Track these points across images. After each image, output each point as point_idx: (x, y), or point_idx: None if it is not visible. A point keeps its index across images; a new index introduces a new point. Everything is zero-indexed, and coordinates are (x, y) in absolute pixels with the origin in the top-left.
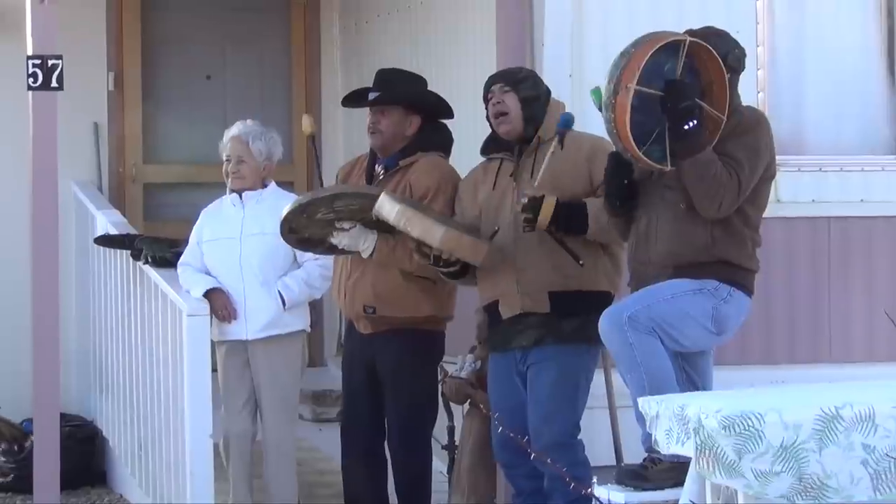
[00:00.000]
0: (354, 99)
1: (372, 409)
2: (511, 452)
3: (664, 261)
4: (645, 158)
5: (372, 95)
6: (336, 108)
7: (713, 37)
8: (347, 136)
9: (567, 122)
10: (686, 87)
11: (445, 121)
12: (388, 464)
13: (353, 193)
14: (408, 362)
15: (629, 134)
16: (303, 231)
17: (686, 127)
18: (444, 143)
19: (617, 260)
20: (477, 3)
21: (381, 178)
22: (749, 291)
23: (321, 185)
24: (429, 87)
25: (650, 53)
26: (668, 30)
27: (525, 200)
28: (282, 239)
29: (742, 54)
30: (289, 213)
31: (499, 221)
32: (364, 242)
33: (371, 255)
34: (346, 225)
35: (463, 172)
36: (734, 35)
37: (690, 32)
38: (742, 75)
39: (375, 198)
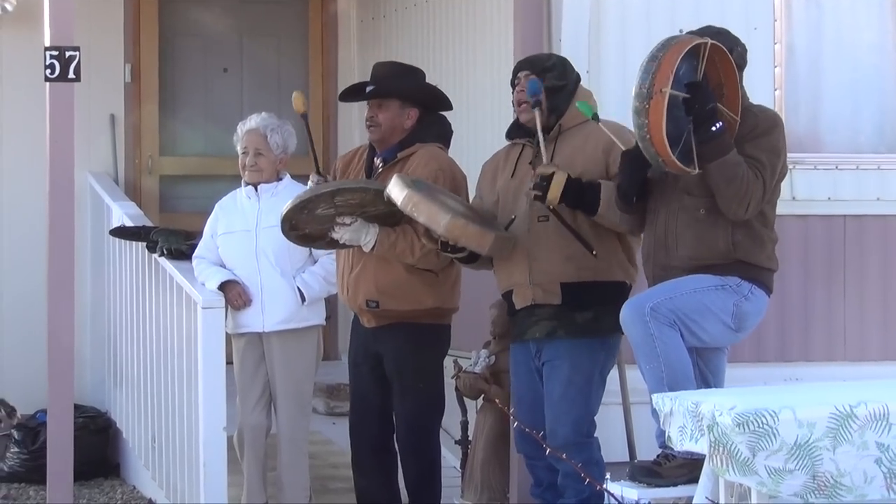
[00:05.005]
0: (352, 93)
1: (380, 403)
2: (532, 443)
3: (686, 265)
4: (678, 163)
5: (368, 89)
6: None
7: (713, 35)
8: (363, 130)
9: (534, 90)
10: (709, 89)
11: (448, 113)
12: (398, 457)
13: (353, 188)
14: (412, 356)
15: (664, 138)
16: (303, 227)
17: (713, 128)
18: (443, 134)
19: (631, 251)
20: None
21: (380, 170)
22: (769, 290)
23: (316, 163)
24: (445, 81)
25: (679, 57)
26: (682, 33)
27: (537, 180)
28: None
29: (744, 50)
30: (289, 211)
31: (516, 210)
32: (365, 236)
33: (372, 248)
34: (346, 220)
35: (478, 165)
36: (753, 31)
37: (690, 33)
38: (759, 73)
39: (375, 192)
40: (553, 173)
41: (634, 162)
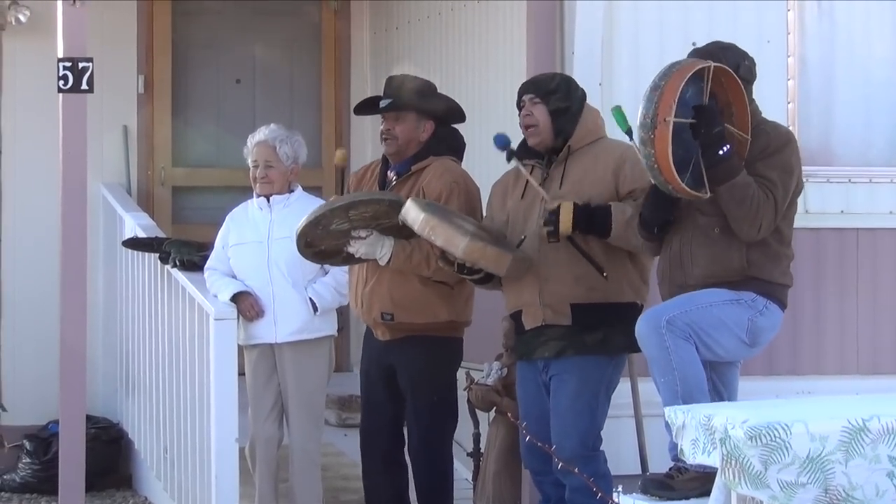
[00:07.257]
0: (366, 107)
1: (391, 416)
2: (539, 459)
3: (701, 284)
4: (688, 189)
5: (384, 102)
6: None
7: (719, 51)
8: (376, 143)
9: (503, 143)
10: (715, 112)
11: (460, 125)
12: (409, 470)
13: (367, 200)
14: (426, 369)
15: (672, 166)
16: (319, 244)
17: (721, 152)
18: (456, 147)
19: (644, 270)
20: (508, 10)
21: (393, 183)
22: (783, 305)
23: (341, 190)
24: (458, 93)
25: (682, 84)
26: (686, 58)
27: (546, 216)
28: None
29: (752, 64)
30: (304, 227)
31: (525, 230)
32: (381, 250)
33: (388, 262)
34: (362, 233)
35: (491, 179)
36: (766, 44)
37: (696, 50)
38: (772, 86)
39: (389, 203)
40: (559, 206)
41: (661, 200)
